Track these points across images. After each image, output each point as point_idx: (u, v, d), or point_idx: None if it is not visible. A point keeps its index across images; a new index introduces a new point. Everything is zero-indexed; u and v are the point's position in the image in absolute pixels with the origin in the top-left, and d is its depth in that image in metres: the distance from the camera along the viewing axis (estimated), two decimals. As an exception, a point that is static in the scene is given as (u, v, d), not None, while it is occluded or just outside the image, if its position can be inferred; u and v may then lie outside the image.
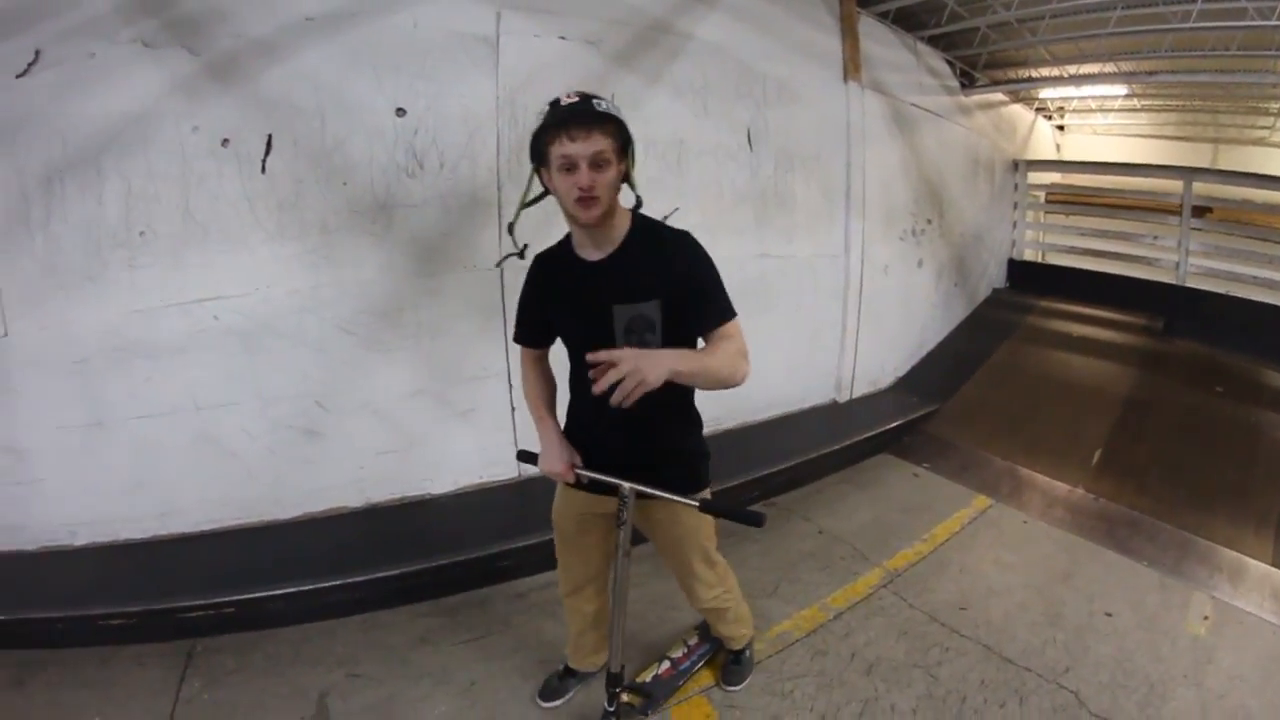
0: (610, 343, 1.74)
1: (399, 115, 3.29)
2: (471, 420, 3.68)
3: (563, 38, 3.68)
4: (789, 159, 4.72)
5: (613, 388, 1.51)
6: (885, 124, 5.43)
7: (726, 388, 1.74)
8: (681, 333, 1.81)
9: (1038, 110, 9.14)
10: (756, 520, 1.74)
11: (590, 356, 1.54)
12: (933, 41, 6.22)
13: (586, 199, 1.67)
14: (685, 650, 2.70)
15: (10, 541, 3.04)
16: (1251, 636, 2.99)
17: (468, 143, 3.43)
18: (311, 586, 2.92)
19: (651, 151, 3.93)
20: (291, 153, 3.12)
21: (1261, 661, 2.83)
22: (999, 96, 7.67)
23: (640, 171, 3.76)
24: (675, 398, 1.86)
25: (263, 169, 3.08)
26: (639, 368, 1.50)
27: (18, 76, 2.74)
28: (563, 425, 2.09)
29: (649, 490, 1.87)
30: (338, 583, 2.95)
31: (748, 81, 4.44)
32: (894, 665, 2.78)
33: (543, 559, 3.28)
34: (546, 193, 1.81)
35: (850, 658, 2.82)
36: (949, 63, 6.54)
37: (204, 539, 3.22)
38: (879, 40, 5.40)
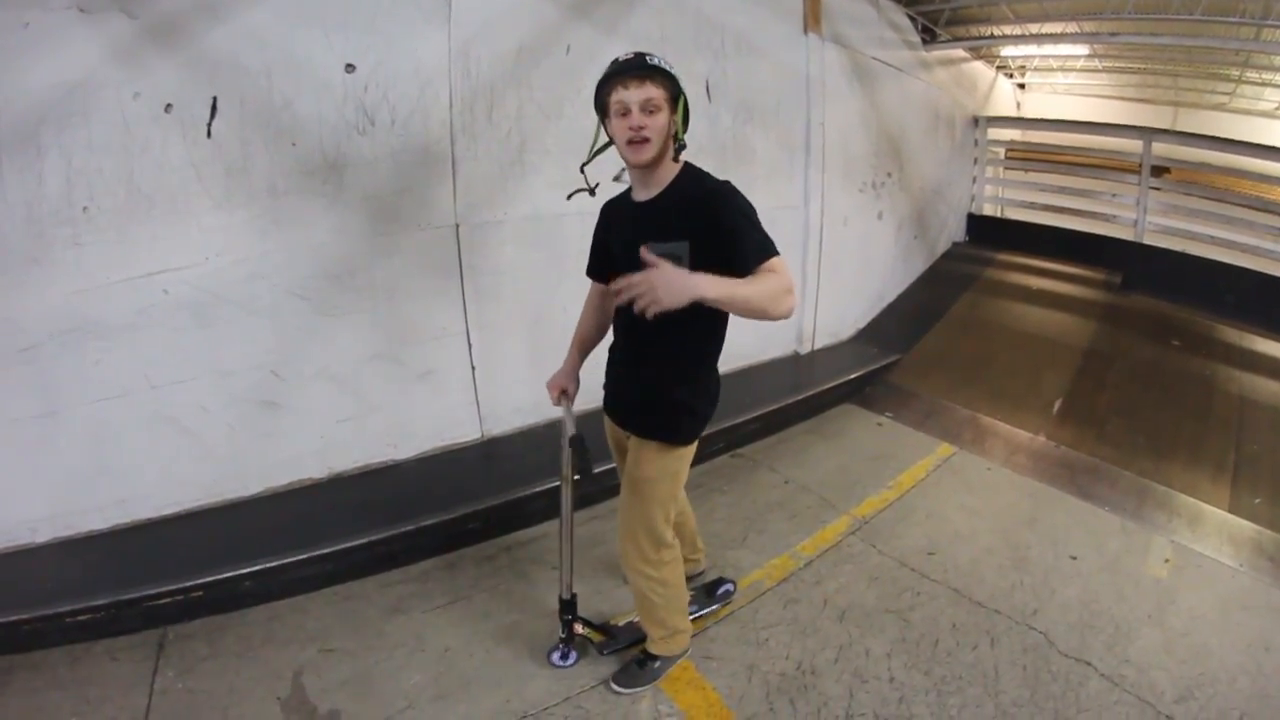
0: None
1: (348, 71, 3.15)
2: (431, 382, 3.61)
3: (516, -13, 3.55)
4: (748, 111, 4.66)
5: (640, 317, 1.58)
6: (845, 77, 5.36)
7: (767, 319, 1.73)
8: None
9: (999, 68, 9.15)
10: (579, 466, 2.07)
11: (614, 285, 1.63)
12: (895, -4, 6.16)
13: (637, 141, 1.82)
14: None
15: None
16: (1210, 579, 3.07)
17: (419, 97, 3.29)
18: (278, 563, 2.85)
19: (610, 103, 3.82)
20: (238, 115, 2.98)
21: (1220, 602, 2.91)
22: (960, 53, 7.64)
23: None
24: (683, 349, 2.05)
25: (208, 133, 2.94)
26: (655, 283, 1.53)
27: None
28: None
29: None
30: (305, 556, 2.89)
31: (706, 33, 4.35)
32: (866, 611, 2.81)
33: (509, 519, 3.30)
34: (610, 142, 1.95)
35: (823, 605, 2.84)
36: (911, 18, 6.48)
37: (168, 523, 3.13)
38: (840, -7, 5.31)
